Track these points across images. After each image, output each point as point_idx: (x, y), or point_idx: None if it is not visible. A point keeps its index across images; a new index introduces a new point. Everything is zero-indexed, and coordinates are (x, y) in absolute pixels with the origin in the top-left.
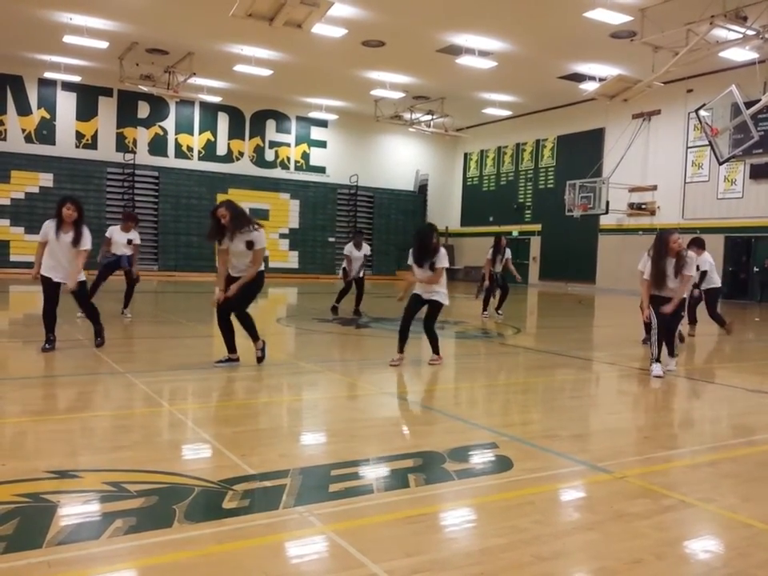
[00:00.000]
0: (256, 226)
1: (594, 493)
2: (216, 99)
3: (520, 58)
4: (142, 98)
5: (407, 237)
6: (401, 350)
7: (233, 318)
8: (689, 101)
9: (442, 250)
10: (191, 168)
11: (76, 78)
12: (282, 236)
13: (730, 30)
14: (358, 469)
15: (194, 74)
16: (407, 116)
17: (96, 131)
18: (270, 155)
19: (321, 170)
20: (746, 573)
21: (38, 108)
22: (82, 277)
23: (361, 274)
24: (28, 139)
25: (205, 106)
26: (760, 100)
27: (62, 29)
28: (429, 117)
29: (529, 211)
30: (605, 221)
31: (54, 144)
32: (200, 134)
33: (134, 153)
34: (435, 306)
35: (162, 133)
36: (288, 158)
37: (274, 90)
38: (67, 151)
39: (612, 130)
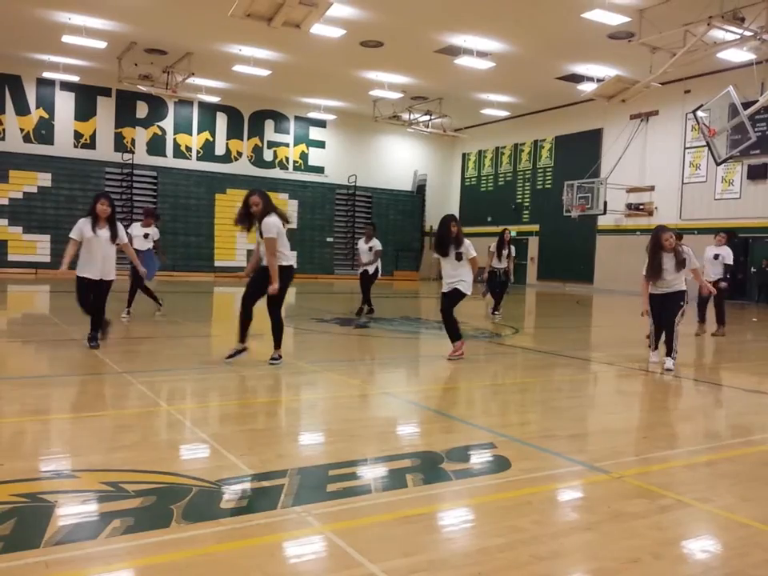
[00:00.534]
0: (270, 214)
1: (591, 493)
2: (214, 99)
3: (518, 59)
4: (140, 97)
5: (405, 237)
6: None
7: (266, 317)
8: (686, 101)
9: (467, 241)
10: (190, 168)
11: (74, 78)
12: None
13: (727, 30)
14: (356, 469)
15: (193, 74)
16: (405, 116)
17: (94, 131)
18: (268, 155)
19: (319, 170)
20: (744, 573)
21: (37, 108)
22: (113, 275)
23: (371, 271)
24: (26, 139)
25: (203, 106)
26: (757, 101)
27: (60, 28)
28: (427, 117)
29: (527, 211)
30: (602, 221)
31: (52, 144)
32: (198, 134)
33: (133, 153)
34: (457, 295)
35: (160, 133)
36: (286, 158)
37: (272, 90)
38: (65, 151)
39: (610, 131)
